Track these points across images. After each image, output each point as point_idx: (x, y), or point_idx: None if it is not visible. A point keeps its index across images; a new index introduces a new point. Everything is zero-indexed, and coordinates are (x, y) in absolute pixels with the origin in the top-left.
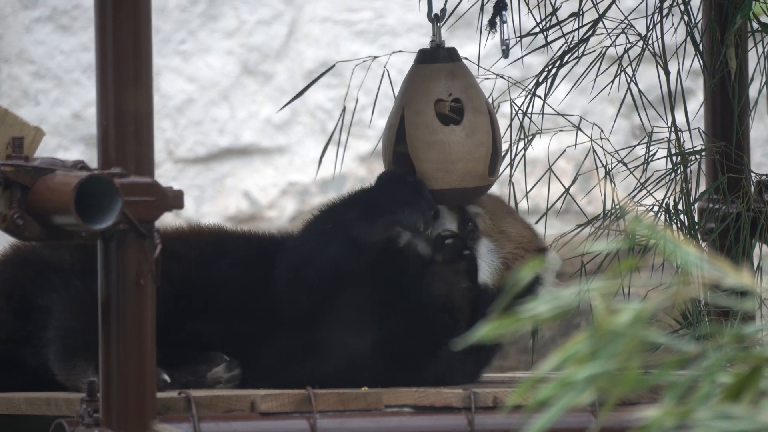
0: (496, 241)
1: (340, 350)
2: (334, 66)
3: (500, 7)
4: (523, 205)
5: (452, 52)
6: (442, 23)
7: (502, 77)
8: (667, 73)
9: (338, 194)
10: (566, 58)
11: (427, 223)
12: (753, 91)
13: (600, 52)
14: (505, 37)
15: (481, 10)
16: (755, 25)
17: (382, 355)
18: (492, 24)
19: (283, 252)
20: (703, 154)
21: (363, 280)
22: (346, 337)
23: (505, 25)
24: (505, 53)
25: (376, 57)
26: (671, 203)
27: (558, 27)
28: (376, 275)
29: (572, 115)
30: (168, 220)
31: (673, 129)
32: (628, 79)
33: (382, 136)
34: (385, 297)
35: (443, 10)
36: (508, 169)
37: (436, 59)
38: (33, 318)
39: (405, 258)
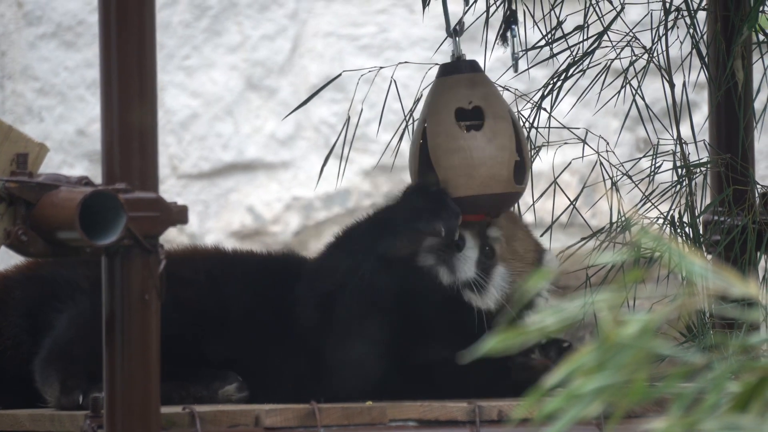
0: (507, 263)
1: (355, 366)
2: (339, 75)
3: (511, 22)
4: (528, 217)
5: (473, 64)
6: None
7: (507, 89)
8: (672, 86)
9: (344, 209)
10: (571, 70)
11: (449, 229)
12: (758, 103)
13: (605, 65)
14: (516, 50)
15: (486, 23)
16: (761, 37)
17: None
18: (504, 38)
19: (309, 275)
20: (709, 166)
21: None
22: (362, 354)
23: (515, 39)
24: (516, 66)
25: (381, 68)
26: (676, 216)
27: (563, 40)
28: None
29: (577, 128)
30: (172, 235)
31: (678, 141)
32: (633, 92)
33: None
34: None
35: (461, 23)
36: None
37: (456, 71)
38: (44, 336)
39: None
